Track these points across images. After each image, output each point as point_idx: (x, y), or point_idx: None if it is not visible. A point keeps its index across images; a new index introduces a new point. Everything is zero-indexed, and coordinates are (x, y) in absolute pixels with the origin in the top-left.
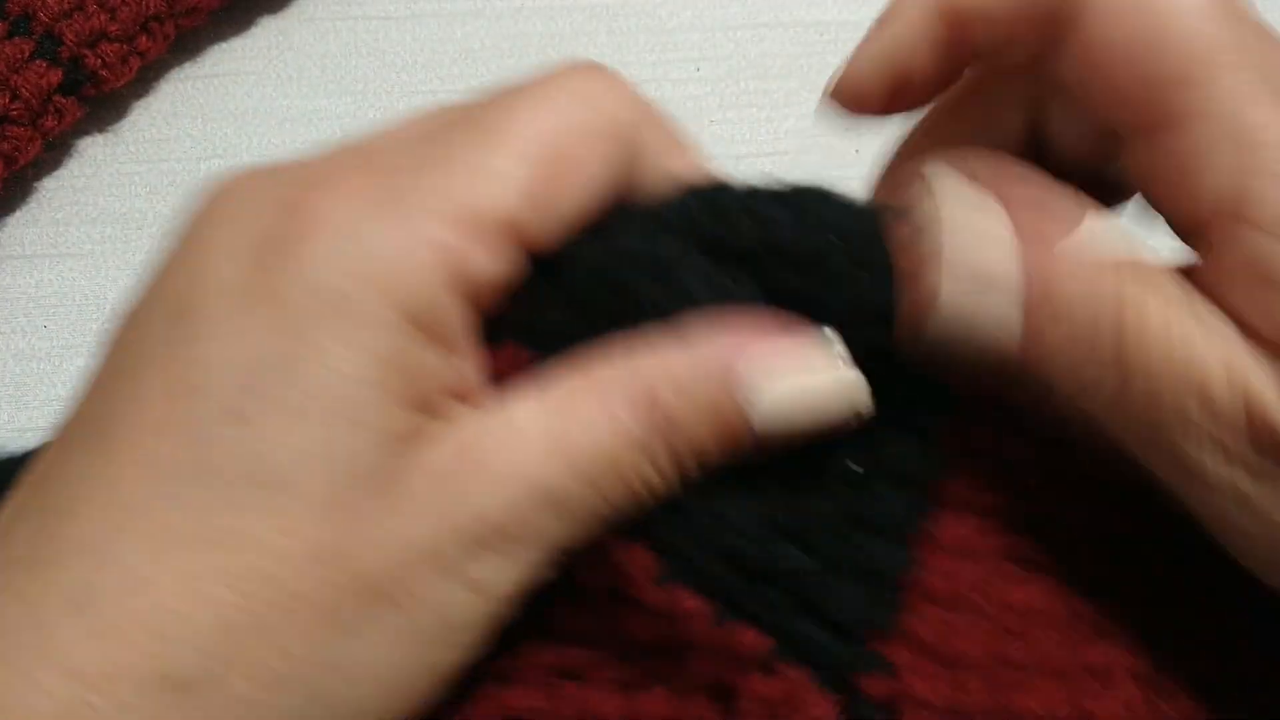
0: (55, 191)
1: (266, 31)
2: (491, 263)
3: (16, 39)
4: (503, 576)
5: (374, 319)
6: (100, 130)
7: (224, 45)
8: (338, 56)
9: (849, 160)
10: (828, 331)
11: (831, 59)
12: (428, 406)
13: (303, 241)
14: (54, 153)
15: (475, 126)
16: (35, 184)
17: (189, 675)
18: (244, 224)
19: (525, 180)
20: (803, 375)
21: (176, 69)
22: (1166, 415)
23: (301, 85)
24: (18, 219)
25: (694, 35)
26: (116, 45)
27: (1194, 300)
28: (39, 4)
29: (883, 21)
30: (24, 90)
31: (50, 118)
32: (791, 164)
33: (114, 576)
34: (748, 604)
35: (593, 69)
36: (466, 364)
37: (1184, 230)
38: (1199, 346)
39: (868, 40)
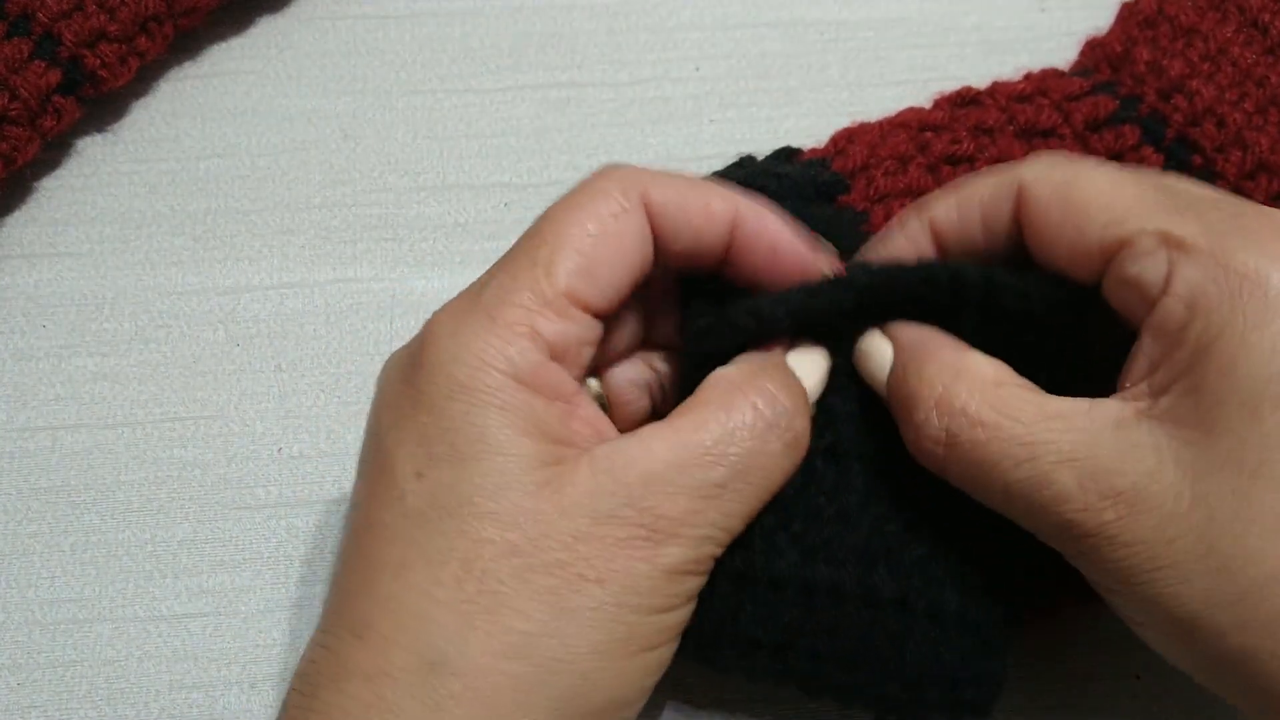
0: (54, 191)
1: (266, 31)
2: (562, 325)
3: (15, 39)
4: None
5: (485, 384)
6: (99, 130)
7: (223, 45)
8: (337, 56)
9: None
10: None
11: (831, 59)
12: (559, 440)
13: (424, 353)
14: (53, 152)
15: (530, 234)
16: (34, 184)
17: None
18: (398, 356)
19: (572, 261)
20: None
21: (175, 69)
22: None
23: (301, 85)
24: (17, 219)
25: (694, 35)
26: (115, 45)
27: None
28: (38, 4)
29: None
30: (23, 90)
31: (49, 118)
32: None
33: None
34: None
35: (608, 167)
36: (584, 408)
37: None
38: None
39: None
